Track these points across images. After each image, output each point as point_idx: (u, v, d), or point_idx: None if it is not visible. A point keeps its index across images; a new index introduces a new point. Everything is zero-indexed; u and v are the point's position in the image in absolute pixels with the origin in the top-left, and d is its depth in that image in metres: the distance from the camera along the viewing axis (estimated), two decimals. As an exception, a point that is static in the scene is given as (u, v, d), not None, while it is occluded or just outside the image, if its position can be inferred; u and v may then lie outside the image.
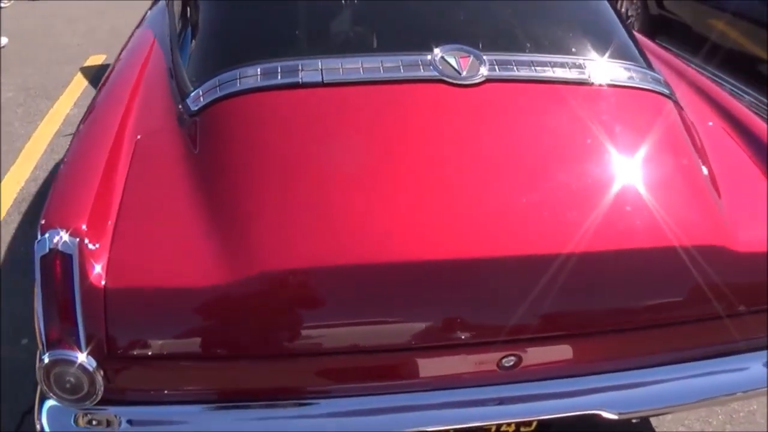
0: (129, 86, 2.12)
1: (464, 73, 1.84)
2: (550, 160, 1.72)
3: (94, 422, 1.52)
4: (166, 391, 1.51)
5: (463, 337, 1.49)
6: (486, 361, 1.53)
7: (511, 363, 1.55)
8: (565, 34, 2.12)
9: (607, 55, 2.01)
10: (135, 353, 1.44)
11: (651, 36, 4.62)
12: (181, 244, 1.52)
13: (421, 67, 1.84)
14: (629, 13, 5.68)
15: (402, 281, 1.47)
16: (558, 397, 1.59)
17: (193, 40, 2.11)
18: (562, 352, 1.61)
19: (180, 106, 1.89)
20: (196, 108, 1.82)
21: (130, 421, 1.52)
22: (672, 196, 1.69)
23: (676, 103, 1.99)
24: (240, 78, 1.82)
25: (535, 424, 1.67)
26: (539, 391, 1.58)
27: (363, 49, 1.95)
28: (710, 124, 2.06)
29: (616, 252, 1.56)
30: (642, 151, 1.77)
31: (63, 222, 1.46)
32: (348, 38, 2.04)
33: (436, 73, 1.83)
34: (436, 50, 1.88)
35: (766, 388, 1.72)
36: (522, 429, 1.68)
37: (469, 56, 1.88)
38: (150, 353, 1.45)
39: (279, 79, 1.80)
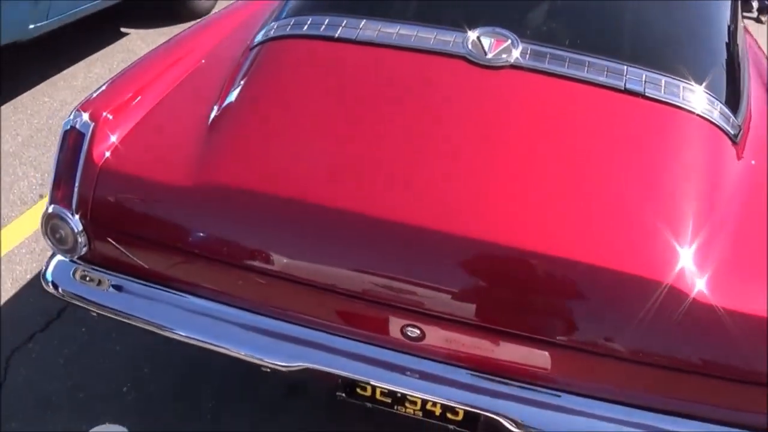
0: (237, 16, 2.43)
1: (490, 56, 1.84)
2: (534, 153, 1.68)
3: (87, 278, 1.84)
4: (136, 266, 1.77)
5: (376, 292, 1.56)
6: (392, 323, 1.58)
7: (416, 335, 1.58)
8: (629, 39, 1.99)
9: (660, 66, 1.86)
10: (113, 226, 1.72)
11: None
12: (179, 150, 1.76)
13: (451, 42, 1.88)
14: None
15: (338, 224, 1.56)
16: (457, 386, 1.59)
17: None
18: (483, 345, 1.59)
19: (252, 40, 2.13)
20: (254, 42, 2.05)
21: (117, 287, 1.82)
22: (643, 220, 1.57)
23: (728, 135, 1.79)
24: (293, 25, 2.00)
25: (461, 414, 1.67)
26: (435, 372, 1.60)
27: (412, 18, 2.01)
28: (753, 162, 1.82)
29: (562, 260, 1.50)
30: (636, 167, 1.66)
31: (91, 108, 1.78)
32: (407, 7, 2.11)
33: (462, 51, 1.85)
34: (477, 30, 1.90)
35: None
36: (448, 415, 1.69)
37: (506, 40, 1.87)
38: (125, 229, 1.72)
39: (320, 31, 1.96)
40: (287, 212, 1.59)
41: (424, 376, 1.61)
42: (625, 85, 1.80)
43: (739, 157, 1.82)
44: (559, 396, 1.57)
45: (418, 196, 1.58)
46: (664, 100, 1.79)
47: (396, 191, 1.59)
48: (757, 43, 2.87)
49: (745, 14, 6.97)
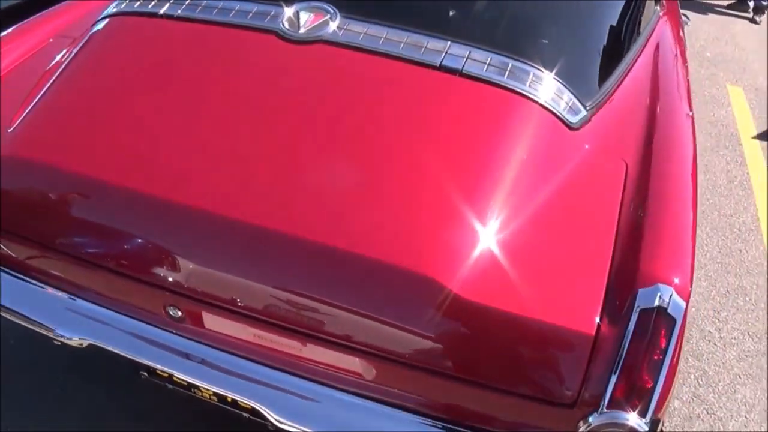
0: None
1: (302, 31, 1.73)
2: (320, 130, 1.56)
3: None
4: None
5: (142, 269, 1.48)
6: (154, 301, 1.50)
7: (178, 315, 1.48)
8: (469, 19, 1.85)
9: (495, 46, 1.72)
10: None
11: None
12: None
13: (268, 17, 1.77)
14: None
15: (120, 202, 1.49)
16: (214, 368, 1.50)
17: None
18: (241, 329, 1.50)
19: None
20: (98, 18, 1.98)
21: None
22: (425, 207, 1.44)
23: (560, 118, 1.64)
24: (127, 3, 1.92)
25: (249, 408, 1.57)
26: (195, 353, 1.51)
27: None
28: (586, 146, 1.66)
29: (327, 249, 1.38)
30: (434, 145, 1.54)
31: None
32: None
33: (274, 26, 1.75)
34: (298, 5, 1.79)
35: None
36: (240, 403, 1.57)
37: (324, 15, 1.76)
38: None
39: (148, 8, 1.87)
40: (72, 185, 1.53)
41: (189, 357, 1.52)
42: (441, 62, 1.66)
43: (573, 142, 1.67)
44: (317, 389, 1.47)
45: (189, 174, 1.49)
46: (483, 78, 1.64)
47: (173, 170, 1.51)
48: (678, 33, 2.69)
49: (739, 14, 6.68)
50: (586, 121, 1.71)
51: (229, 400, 1.58)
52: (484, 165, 1.52)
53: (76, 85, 1.75)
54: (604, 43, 2.03)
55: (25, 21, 2.18)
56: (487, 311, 1.32)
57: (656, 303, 1.30)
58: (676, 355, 1.31)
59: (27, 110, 1.70)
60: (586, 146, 1.66)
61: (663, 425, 1.56)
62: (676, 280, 1.32)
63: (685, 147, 1.75)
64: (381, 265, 1.35)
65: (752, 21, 6.61)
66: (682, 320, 1.30)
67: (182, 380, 1.60)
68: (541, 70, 1.68)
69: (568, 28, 1.95)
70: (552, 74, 1.70)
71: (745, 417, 2.39)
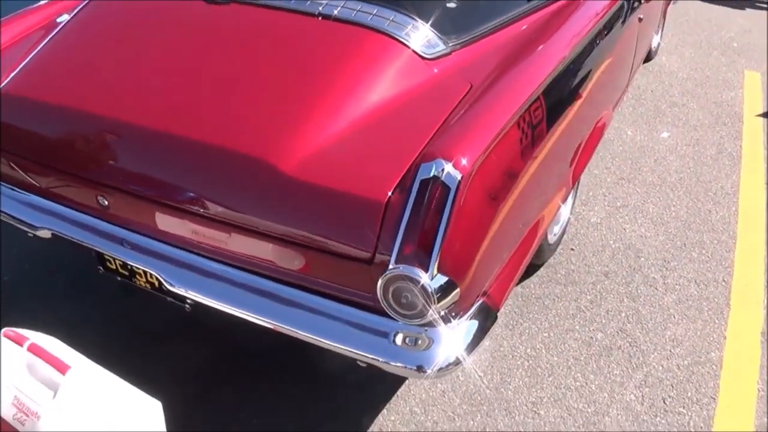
0: None
1: (221, -7, 2.16)
2: (227, 65, 2.00)
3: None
4: None
5: (76, 165, 1.97)
6: (88, 194, 1.98)
7: (106, 204, 1.95)
8: None
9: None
10: None
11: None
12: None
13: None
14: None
15: (78, 117, 1.99)
16: (128, 246, 1.97)
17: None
18: (145, 212, 1.93)
19: None
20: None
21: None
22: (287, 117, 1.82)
23: (415, 51, 1.97)
24: None
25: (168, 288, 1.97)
26: (115, 234, 1.99)
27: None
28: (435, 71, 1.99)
29: (205, 145, 1.79)
30: (297, 74, 1.93)
31: None
32: None
33: (198, -10, 2.19)
34: (220, -24, 2.22)
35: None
36: (164, 286, 1.96)
37: (239, -17, 2.18)
38: None
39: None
40: (37, 110, 2.05)
41: (109, 236, 2.00)
42: (320, 10, 2.03)
43: (423, 69, 1.98)
44: (205, 260, 1.89)
45: (121, 100, 1.97)
46: (352, 20, 2.01)
47: (111, 97, 1.99)
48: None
49: None
50: (443, 54, 2.01)
51: (156, 285, 1.98)
52: (335, 81, 1.89)
53: (57, 46, 2.25)
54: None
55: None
56: (312, 187, 1.66)
57: (432, 174, 1.58)
58: (460, 220, 1.58)
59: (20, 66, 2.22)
60: (435, 70, 1.97)
61: (490, 308, 1.82)
62: (458, 157, 1.59)
63: (534, 78, 1.99)
64: (240, 155, 1.76)
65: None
66: (457, 188, 1.56)
67: (124, 271, 2.04)
68: (402, 13, 2.02)
69: None
70: (417, 18, 2.03)
71: (670, 351, 2.52)
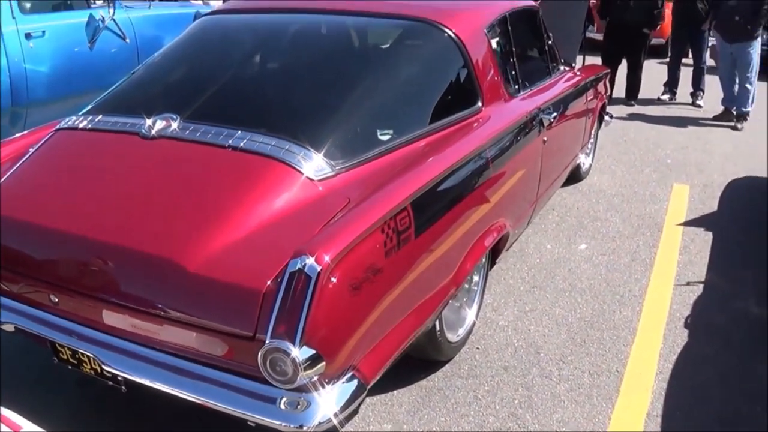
0: None
1: (153, 132, 2.68)
2: (151, 188, 2.50)
3: None
4: None
5: (33, 269, 2.46)
6: (42, 292, 2.43)
7: (56, 300, 2.40)
8: (276, 114, 2.83)
9: (275, 130, 2.59)
10: None
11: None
12: None
13: (138, 125, 2.74)
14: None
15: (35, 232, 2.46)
16: (75, 336, 2.37)
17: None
18: (86, 306, 2.35)
19: None
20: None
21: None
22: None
23: (303, 173, 2.45)
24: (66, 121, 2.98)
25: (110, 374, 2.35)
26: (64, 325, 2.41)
27: (134, 112, 2.89)
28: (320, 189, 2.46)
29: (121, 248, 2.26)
30: (202, 192, 2.42)
31: None
32: (135, 106, 2.98)
33: (138, 129, 2.71)
34: (156, 116, 2.75)
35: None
36: (104, 372, 2.34)
37: (172, 122, 2.71)
38: None
39: (74, 123, 2.92)
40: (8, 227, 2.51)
41: (59, 328, 2.41)
42: (230, 143, 2.54)
43: (308, 188, 2.44)
44: (129, 343, 2.30)
45: (73, 217, 2.44)
46: (254, 150, 2.51)
47: (62, 217, 2.46)
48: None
49: (723, 123, 7.15)
50: (329, 176, 2.49)
51: (99, 371, 2.35)
52: (236, 199, 2.38)
53: (25, 173, 2.77)
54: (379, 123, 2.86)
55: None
56: (208, 280, 2.11)
57: (298, 267, 2.00)
58: (321, 303, 1.98)
59: None
60: (320, 188, 2.44)
61: (359, 381, 2.17)
62: (319, 253, 2.01)
63: (401, 192, 2.44)
64: (155, 257, 2.22)
65: (734, 128, 7.07)
66: (317, 277, 1.98)
67: (73, 360, 2.41)
68: (296, 143, 2.52)
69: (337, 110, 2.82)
70: (309, 147, 2.53)
71: (555, 431, 2.80)
